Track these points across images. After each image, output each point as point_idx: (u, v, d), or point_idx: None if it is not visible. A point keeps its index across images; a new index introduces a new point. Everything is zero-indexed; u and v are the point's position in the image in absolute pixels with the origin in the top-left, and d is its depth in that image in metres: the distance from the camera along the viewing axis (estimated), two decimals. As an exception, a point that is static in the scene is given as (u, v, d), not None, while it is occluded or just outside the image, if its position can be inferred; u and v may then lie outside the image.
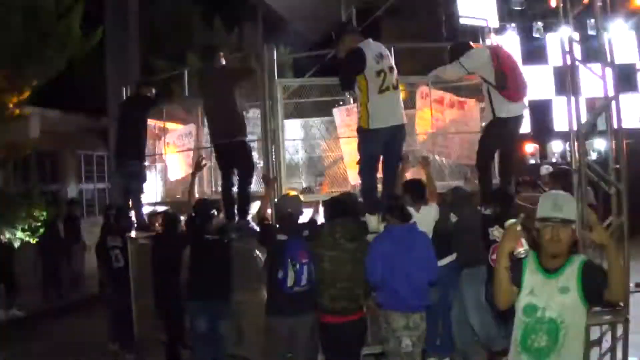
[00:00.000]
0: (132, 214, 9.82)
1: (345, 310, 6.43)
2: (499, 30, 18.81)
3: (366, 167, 7.47)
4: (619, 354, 7.08)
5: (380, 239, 6.41)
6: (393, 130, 7.32)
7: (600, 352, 7.19)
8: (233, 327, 7.75)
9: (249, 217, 8.07)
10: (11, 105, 14.30)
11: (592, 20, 8.65)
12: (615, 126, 7.27)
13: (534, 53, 20.24)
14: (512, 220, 4.05)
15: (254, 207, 8.08)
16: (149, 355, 9.31)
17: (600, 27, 7.38)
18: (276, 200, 7.63)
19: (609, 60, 7.28)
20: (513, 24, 19.76)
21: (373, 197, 7.39)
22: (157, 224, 9.14)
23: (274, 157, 8.45)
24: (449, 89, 9.74)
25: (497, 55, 7.85)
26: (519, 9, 19.33)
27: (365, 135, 7.34)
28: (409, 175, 7.84)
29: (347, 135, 8.92)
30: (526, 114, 8.31)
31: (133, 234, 9.56)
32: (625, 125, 7.68)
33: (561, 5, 7.25)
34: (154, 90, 9.94)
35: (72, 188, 20.17)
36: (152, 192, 10.66)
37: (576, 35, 8.31)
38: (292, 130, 10.27)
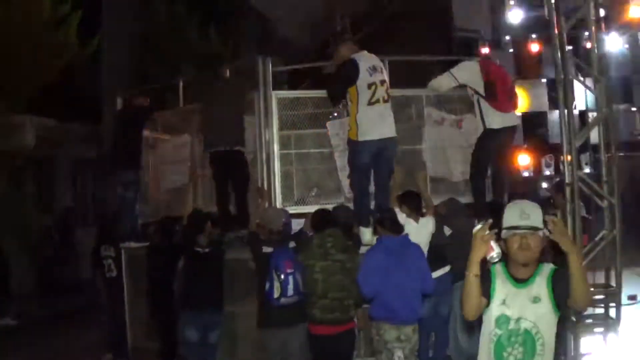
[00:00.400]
0: (127, 223, 9.81)
1: (337, 320, 6.45)
2: (494, 43, 18.88)
3: (357, 179, 7.51)
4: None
5: (373, 251, 6.43)
6: (382, 143, 7.37)
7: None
8: (225, 338, 7.76)
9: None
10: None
11: (587, 34, 8.67)
12: (609, 139, 7.31)
13: (528, 66, 20.29)
14: (479, 227, 3.90)
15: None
16: (142, 365, 9.28)
17: (594, 41, 7.43)
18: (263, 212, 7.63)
19: (602, 73, 7.33)
20: (508, 37, 19.82)
21: (365, 209, 7.41)
22: (152, 234, 9.13)
23: (267, 169, 8.49)
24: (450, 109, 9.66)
25: (487, 67, 7.96)
26: (514, 22, 19.39)
27: (355, 147, 7.40)
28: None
29: (341, 147, 8.92)
30: (520, 126, 8.35)
31: (127, 243, 9.55)
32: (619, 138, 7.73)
33: (555, 18, 7.30)
34: (148, 100, 9.97)
35: (67, 196, 20.12)
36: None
37: (570, 49, 8.36)
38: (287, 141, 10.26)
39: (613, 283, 7.70)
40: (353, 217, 7.32)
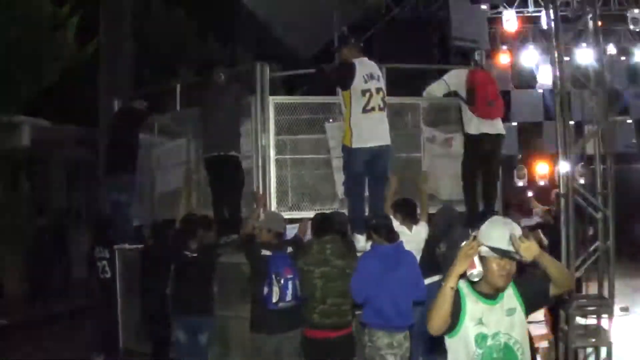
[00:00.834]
0: (122, 225, 9.80)
1: (336, 325, 6.45)
2: (490, 53, 18.91)
3: (351, 186, 7.52)
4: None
5: (366, 258, 6.43)
6: (376, 151, 7.39)
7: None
8: (218, 342, 7.76)
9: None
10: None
11: (584, 45, 8.71)
12: (604, 151, 7.34)
13: (525, 76, 20.38)
14: (465, 242, 3.76)
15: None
16: (134, 367, 9.26)
17: (592, 52, 7.47)
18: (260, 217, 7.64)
19: (599, 85, 7.36)
20: (504, 47, 19.88)
21: (360, 216, 7.42)
22: (146, 236, 9.14)
23: (263, 173, 8.50)
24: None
25: (473, 74, 8.13)
26: (511, 32, 19.46)
27: (349, 154, 7.42)
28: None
29: (338, 150, 8.93)
30: (513, 135, 8.41)
31: (121, 245, 9.54)
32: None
33: (553, 29, 7.33)
34: (145, 103, 9.98)
35: (62, 198, 20.09)
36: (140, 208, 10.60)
37: (567, 60, 8.39)
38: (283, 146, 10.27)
39: (606, 294, 7.72)
40: (347, 223, 7.32)
